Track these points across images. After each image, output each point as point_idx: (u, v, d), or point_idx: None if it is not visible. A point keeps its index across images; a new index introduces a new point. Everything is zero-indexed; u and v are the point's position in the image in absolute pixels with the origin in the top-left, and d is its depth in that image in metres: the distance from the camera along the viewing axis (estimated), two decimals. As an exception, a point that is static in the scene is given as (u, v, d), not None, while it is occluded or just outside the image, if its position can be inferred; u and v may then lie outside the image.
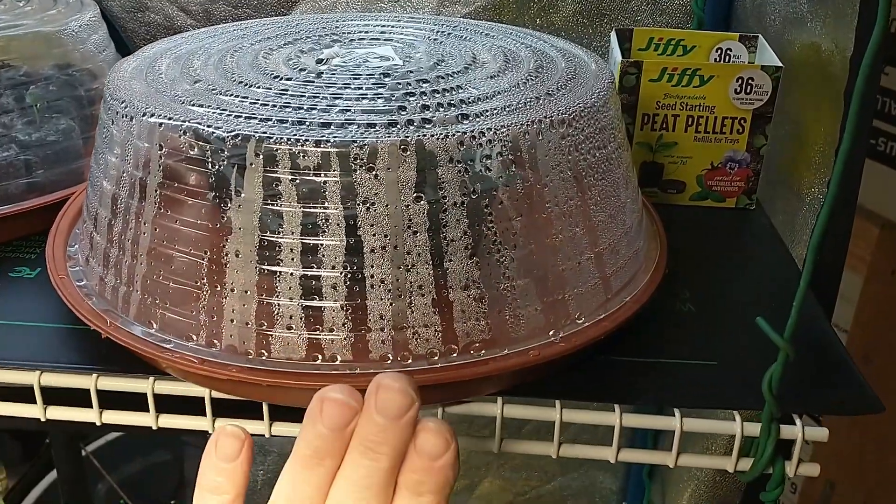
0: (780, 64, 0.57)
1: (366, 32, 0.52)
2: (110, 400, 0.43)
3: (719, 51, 0.63)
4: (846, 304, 1.03)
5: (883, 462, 1.07)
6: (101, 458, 1.01)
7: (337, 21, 0.55)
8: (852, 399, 0.42)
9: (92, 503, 1.00)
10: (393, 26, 0.54)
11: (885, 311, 1.03)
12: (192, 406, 0.42)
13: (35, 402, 0.43)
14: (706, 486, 0.70)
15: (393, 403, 0.29)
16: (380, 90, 0.41)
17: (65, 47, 0.59)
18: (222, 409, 0.42)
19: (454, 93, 0.41)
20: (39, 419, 0.43)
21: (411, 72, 0.44)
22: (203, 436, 0.38)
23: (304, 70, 0.44)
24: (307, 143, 0.36)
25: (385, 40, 0.51)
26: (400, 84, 0.42)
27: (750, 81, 0.57)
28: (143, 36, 0.79)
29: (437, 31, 0.52)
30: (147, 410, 0.43)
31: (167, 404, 0.43)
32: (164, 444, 1.07)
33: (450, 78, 0.43)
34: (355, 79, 0.43)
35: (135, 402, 0.43)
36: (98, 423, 0.43)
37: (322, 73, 0.44)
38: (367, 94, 0.40)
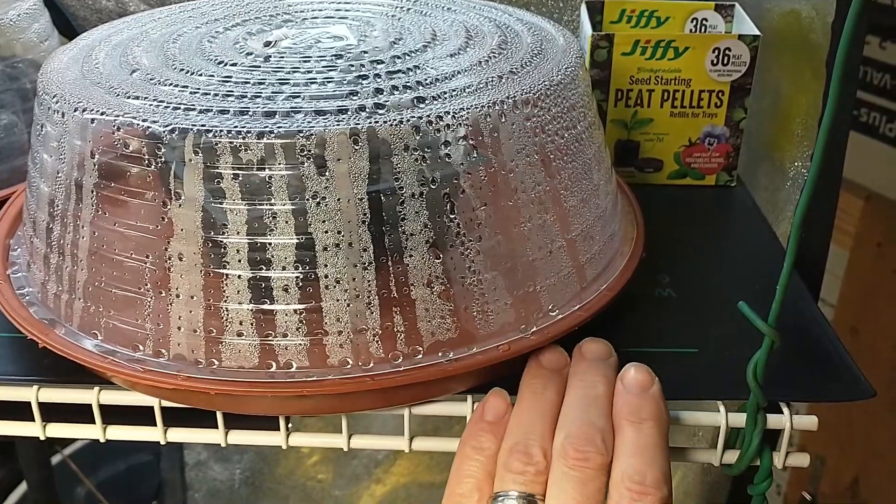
0: (758, 33, 0.54)
1: (320, 10, 0.49)
2: (60, 412, 0.41)
3: (694, 21, 0.60)
4: (832, 278, 1.02)
5: (872, 434, 1.06)
6: (79, 462, 0.99)
7: (290, -1, 0.52)
8: (842, 385, 0.40)
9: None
10: (349, 2, 0.51)
11: (870, 284, 1.02)
12: (143, 416, 0.40)
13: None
14: (695, 472, 0.69)
15: (596, 347, 0.37)
16: (331, 73, 0.38)
17: (5, 37, 0.56)
18: (174, 419, 0.40)
19: (410, 74, 0.38)
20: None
21: (366, 52, 0.41)
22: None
23: (251, 54, 0.41)
24: (249, 134, 0.33)
25: (340, 18, 0.47)
26: (353, 66, 0.39)
27: (727, 52, 0.54)
28: (94, 24, 0.75)
29: (396, 7, 0.49)
30: (93, 422, 0.40)
31: (117, 414, 0.40)
32: (142, 445, 1.04)
33: (407, 58, 0.41)
34: (305, 62, 0.40)
35: (83, 413, 0.40)
36: (42, 438, 0.40)
37: (270, 56, 0.41)
38: (316, 79, 0.38)
